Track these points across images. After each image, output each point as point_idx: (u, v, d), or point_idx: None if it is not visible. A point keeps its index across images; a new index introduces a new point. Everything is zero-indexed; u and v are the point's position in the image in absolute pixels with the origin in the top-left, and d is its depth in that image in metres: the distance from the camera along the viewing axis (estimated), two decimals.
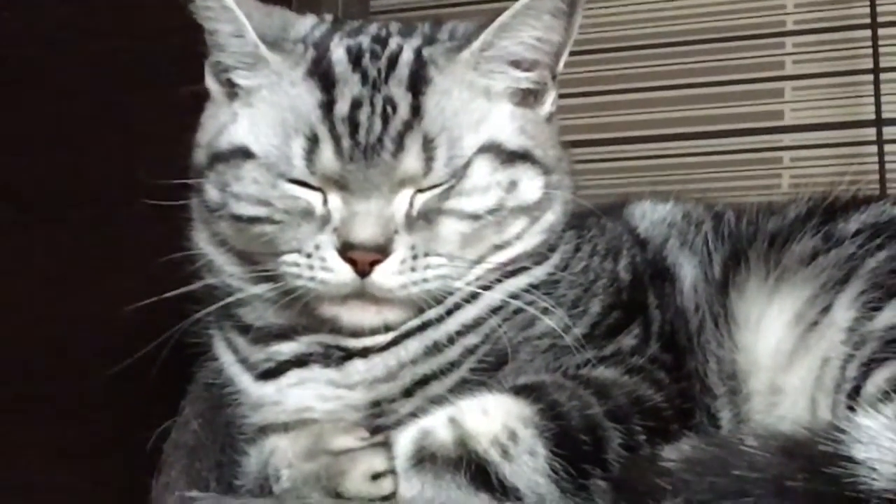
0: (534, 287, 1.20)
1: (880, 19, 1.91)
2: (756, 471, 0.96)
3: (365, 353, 1.19)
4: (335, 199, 1.11)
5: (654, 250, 1.32)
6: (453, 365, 1.18)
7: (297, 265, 1.12)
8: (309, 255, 1.11)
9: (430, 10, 2.10)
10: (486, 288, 1.18)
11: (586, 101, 2.07)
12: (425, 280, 1.12)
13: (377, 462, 1.09)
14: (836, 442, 0.98)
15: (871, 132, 1.90)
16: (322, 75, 1.14)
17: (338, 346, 1.20)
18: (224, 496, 1.23)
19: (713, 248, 1.29)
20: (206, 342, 1.30)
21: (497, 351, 1.18)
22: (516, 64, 1.18)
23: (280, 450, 1.19)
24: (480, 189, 1.14)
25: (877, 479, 0.94)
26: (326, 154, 1.11)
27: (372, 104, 1.11)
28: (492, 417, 1.06)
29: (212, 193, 1.19)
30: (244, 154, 1.15)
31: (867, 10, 1.91)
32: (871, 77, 1.91)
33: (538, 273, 1.21)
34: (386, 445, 1.09)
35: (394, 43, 1.18)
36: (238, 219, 1.16)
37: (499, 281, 1.19)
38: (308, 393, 1.21)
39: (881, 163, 1.87)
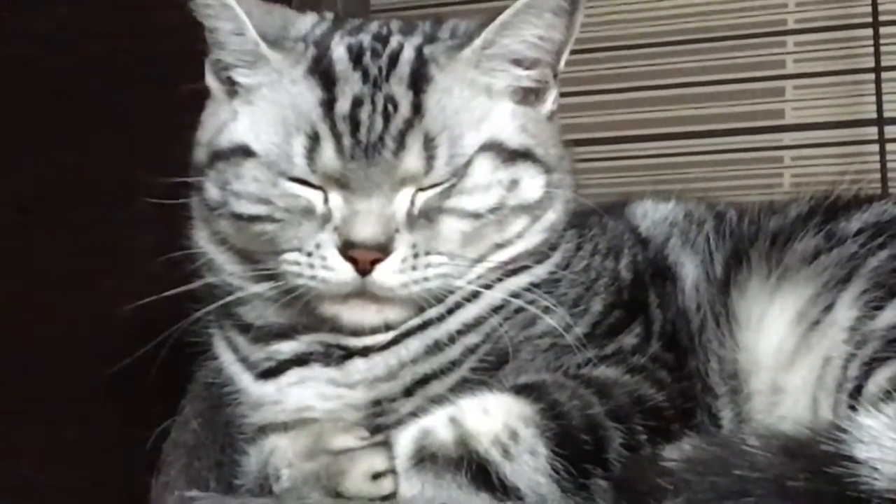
0: (535, 286, 1.19)
1: (882, 18, 1.91)
2: (757, 470, 0.96)
3: (365, 352, 1.19)
4: (336, 198, 1.11)
5: (656, 249, 1.32)
6: (454, 364, 1.18)
7: (298, 264, 1.12)
8: (310, 254, 1.11)
9: (430, 8, 2.10)
10: (487, 287, 1.18)
11: (588, 99, 2.07)
12: (426, 279, 1.12)
13: (377, 462, 1.09)
14: (838, 441, 0.97)
15: (872, 131, 1.91)
16: (323, 73, 1.14)
17: (338, 345, 1.20)
18: (224, 496, 1.22)
19: (715, 248, 1.28)
20: (206, 341, 1.30)
21: (498, 350, 1.17)
22: (518, 62, 1.18)
23: (280, 449, 1.19)
24: (481, 188, 1.14)
25: (878, 479, 0.94)
26: (327, 152, 1.10)
27: (373, 102, 1.11)
28: (492, 417, 1.06)
29: (212, 192, 1.18)
30: (245, 152, 1.15)
31: (868, 8, 1.91)
32: (872, 76, 1.91)
33: (539, 272, 1.21)
34: (386, 445, 1.09)
35: (395, 41, 1.18)
36: (238, 217, 1.16)
37: (500, 280, 1.19)
38: (308, 392, 1.20)
39: (882, 161, 1.87)
